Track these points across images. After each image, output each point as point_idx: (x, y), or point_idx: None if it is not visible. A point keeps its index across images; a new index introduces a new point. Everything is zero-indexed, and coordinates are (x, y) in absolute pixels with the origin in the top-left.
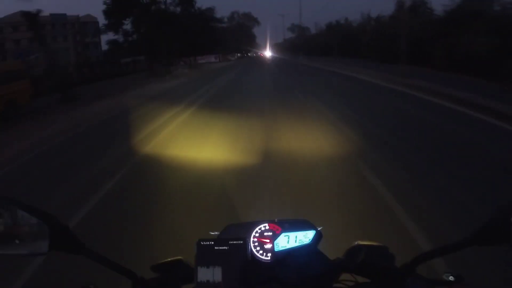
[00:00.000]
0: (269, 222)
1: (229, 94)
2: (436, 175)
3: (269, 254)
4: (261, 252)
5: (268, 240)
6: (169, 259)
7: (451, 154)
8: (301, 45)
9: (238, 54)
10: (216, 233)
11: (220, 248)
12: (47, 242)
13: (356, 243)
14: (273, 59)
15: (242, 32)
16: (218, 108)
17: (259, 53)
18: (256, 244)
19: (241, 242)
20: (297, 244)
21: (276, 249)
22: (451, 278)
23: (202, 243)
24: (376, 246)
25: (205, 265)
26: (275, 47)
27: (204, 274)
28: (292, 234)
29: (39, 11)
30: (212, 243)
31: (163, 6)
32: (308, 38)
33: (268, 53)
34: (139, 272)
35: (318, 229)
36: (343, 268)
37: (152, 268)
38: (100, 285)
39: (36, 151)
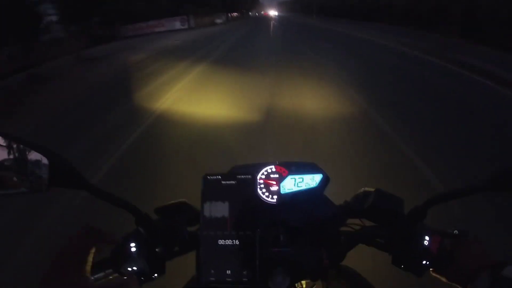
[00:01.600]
0: (275, 163)
1: None
2: None
3: (275, 196)
4: (267, 194)
5: (274, 182)
6: (172, 202)
7: None
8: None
9: (235, 14)
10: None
11: (227, 183)
12: (47, 178)
13: (363, 189)
14: (293, 24)
15: None
16: None
17: (262, 12)
18: (262, 185)
19: (249, 176)
20: (303, 187)
21: (282, 191)
22: (456, 232)
23: (208, 177)
24: (384, 191)
25: (212, 200)
26: (282, 6)
27: (210, 209)
28: (299, 177)
29: None
30: (219, 177)
31: None
32: None
33: (273, 12)
34: (145, 209)
35: (326, 174)
36: (350, 212)
37: (156, 210)
38: (102, 224)
39: None
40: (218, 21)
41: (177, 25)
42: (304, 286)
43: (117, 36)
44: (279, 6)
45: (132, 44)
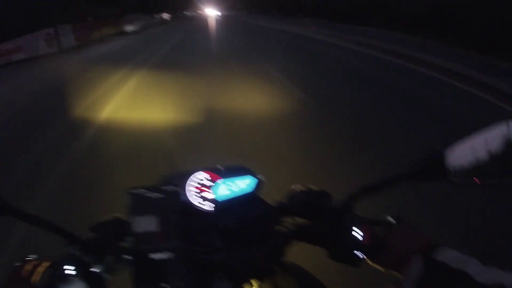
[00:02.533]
0: (207, 169)
1: None
2: None
3: (210, 203)
4: (201, 201)
5: (208, 189)
6: (105, 218)
7: None
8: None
9: (165, 15)
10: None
11: (154, 196)
12: None
13: (294, 187)
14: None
15: None
16: None
17: (196, 11)
18: (196, 193)
19: (177, 188)
20: (237, 191)
21: (216, 197)
22: (387, 218)
23: (134, 191)
24: (314, 188)
25: (140, 214)
26: (224, 3)
27: (139, 224)
28: (232, 182)
29: None
30: (145, 191)
31: None
32: None
33: (211, 11)
34: (75, 231)
35: (258, 176)
36: (284, 211)
37: (90, 228)
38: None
39: None
40: (129, 28)
41: (42, 45)
42: (253, 286)
43: None
44: (222, 3)
45: None
